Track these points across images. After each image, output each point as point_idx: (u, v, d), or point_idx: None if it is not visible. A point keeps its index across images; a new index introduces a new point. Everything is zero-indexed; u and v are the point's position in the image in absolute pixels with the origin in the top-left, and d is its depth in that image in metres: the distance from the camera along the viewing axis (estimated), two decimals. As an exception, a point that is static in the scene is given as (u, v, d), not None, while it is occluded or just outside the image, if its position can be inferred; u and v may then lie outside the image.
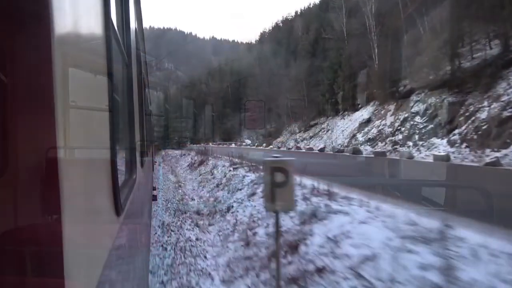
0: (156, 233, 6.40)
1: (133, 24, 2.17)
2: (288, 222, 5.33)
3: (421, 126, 20.59)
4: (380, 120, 25.59)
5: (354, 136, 27.72)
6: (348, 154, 21.55)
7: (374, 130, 25.05)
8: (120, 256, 1.09)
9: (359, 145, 25.10)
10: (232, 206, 8.48)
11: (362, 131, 27.00)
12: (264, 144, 43.45)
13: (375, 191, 7.22)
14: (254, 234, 5.92)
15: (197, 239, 6.67)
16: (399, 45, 24.19)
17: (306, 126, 42.18)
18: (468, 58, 20.07)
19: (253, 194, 8.24)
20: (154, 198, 8.64)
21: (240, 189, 9.64)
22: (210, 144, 55.31)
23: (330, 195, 6.25)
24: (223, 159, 17.78)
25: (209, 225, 8.09)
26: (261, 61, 63.01)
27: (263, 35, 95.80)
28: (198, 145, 49.66)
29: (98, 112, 0.84)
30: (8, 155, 0.47)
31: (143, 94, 3.79)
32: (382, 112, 26.30)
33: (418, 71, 23.15)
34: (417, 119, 21.33)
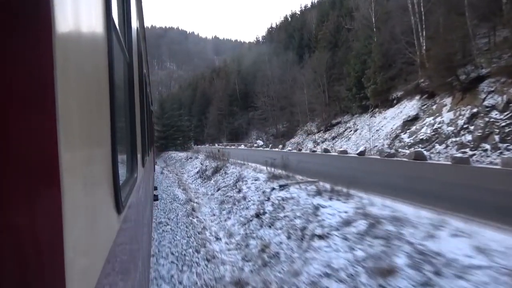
0: None
1: (134, 23, 2.19)
2: None
3: (503, 124, 15.82)
4: (432, 117, 20.80)
5: (397, 136, 22.91)
6: (406, 159, 16.72)
7: (427, 130, 20.23)
8: (121, 254, 1.07)
9: (406, 147, 20.36)
10: (328, 290, 3.77)
11: (408, 131, 22.19)
12: (280, 146, 38.58)
13: None
14: None
15: None
16: (461, 23, 19.35)
17: (327, 125, 37.34)
18: None
19: (389, 273, 3.41)
20: (155, 198, 8.62)
21: (321, 238, 4.92)
22: (216, 145, 50.70)
23: None
24: (247, 166, 13.04)
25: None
26: (271, 57, 58.20)
27: (270, 30, 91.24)
28: (203, 146, 45.05)
29: (99, 110, 0.83)
30: (8, 154, 0.47)
31: (144, 93, 3.48)
32: (434, 107, 21.50)
33: (491, 53, 18.35)
34: (495, 114, 16.56)
